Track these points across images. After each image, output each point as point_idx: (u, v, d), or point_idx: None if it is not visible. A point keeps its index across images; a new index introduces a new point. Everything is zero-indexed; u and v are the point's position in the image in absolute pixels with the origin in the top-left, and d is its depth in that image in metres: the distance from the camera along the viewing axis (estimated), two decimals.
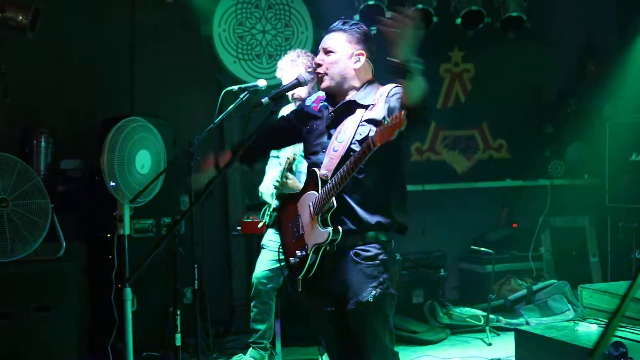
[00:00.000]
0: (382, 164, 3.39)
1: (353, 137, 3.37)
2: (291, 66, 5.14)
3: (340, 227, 3.32)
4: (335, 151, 3.41)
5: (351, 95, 3.49)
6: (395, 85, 3.38)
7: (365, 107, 3.41)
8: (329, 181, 3.35)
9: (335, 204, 3.31)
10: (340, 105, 3.50)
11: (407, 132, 3.17)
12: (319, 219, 3.38)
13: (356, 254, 3.37)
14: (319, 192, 3.41)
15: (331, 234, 3.31)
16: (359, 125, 3.38)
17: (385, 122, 3.05)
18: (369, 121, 3.36)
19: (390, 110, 3.31)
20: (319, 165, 3.49)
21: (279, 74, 5.31)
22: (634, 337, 4.98)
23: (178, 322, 4.24)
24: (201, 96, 6.63)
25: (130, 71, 6.42)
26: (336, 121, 3.50)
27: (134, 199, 5.53)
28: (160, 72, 6.75)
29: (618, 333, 4.97)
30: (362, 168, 3.29)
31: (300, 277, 3.44)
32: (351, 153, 3.31)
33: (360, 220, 3.38)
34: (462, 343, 6.53)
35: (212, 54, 6.85)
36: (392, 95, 3.36)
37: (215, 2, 6.79)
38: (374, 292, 3.34)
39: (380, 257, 3.38)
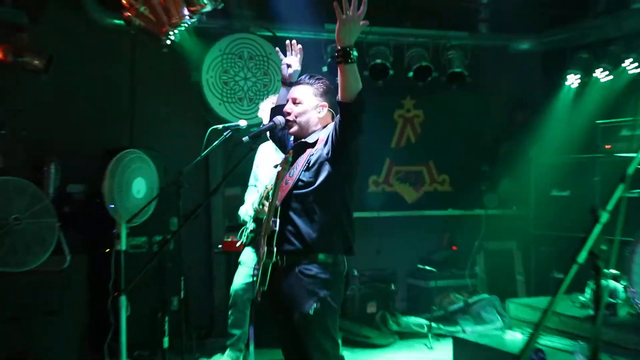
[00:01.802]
0: (329, 193, 3.41)
1: (301, 172, 3.41)
2: (268, 109, 5.16)
3: (275, 249, 3.36)
4: (287, 184, 3.45)
5: (305, 137, 3.53)
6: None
7: (312, 145, 3.46)
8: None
9: (277, 228, 3.37)
10: (293, 146, 3.58)
11: (346, 133, 3.27)
12: (265, 241, 3.41)
13: (300, 272, 3.37)
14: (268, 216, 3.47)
15: (265, 254, 3.37)
16: (306, 162, 3.43)
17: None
18: (312, 156, 3.41)
19: (328, 139, 3.38)
20: (275, 197, 3.52)
21: (260, 114, 5.34)
22: (550, 344, 5.05)
23: (166, 327, 4.22)
24: (191, 132, 6.62)
25: (130, 109, 6.42)
26: (294, 159, 3.54)
27: (130, 219, 5.51)
28: (156, 111, 6.74)
29: (539, 340, 5.04)
30: (309, 196, 3.37)
31: (256, 288, 3.43)
32: (299, 184, 3.39)
33: (306, 242, 3.38)
34: (408, 347, 6.56)
35: (200, 96, 6.85)
36: (331, 129, 3.39)
37: (204, 53, 6.79)
38: (315, 305, 3.33)
39: (321, 275, 3.37)
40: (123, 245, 5.65)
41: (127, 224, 5.62)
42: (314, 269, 3.37)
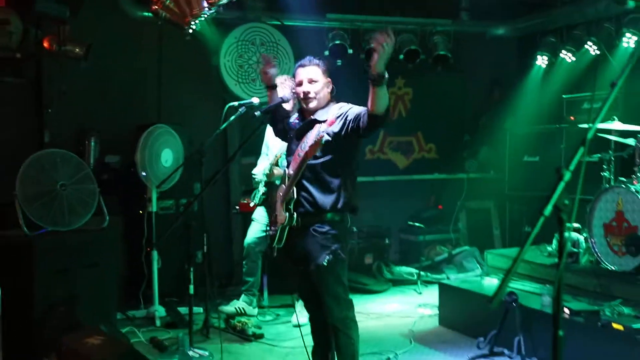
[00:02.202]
0: (339, 162, 3.45)
1: (308, 148, 3.39)
2: (280, 87, 5.13)
3: (295, 214, 3.41)
4: (299, 156, 3.46)
5: (315, 115, 3.52)
6: (345, 104, 3.48)
7: (322, 122, 3.45)
8: (291, 177, 3.45)
9: (295, 195, 3.41)
10: (304, 123, 3.56)
11: (369, 133, 3.37)
12: (284, 206, 3.45)
13: (314, 230, 3.43)
14: (286, 185, 3.49)
15: (287, 218, 3.41)
16: (315, 138, 3.42)
17: (313, 142, 3.28)
18: (326, 132, 3.39)
19: (345, 124, 3.39)
20: (289, 166, 3.56)
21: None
22: (522, 287, 5.07)
23: (191, 277, 4.25)
24: (210, 109, 6.59)
25: (157, 89, 6.39)
26: (302, 133, 3.54)
27: (159, 185, 5.55)
28: (180, 91, 6.71)
29: (511, 285, 5.07)
30: (321, 167, 3.40)
31: (274, 245, 3.51)
32: (304, 159, 3.40)
33: (318, 205, 3.43)
34: (401, 292, 6.60)
35: (219, 78, 6.83)
36: (347, 113, 3.42)
37: (221, 40, 6.77)
38: (328, 257, 3.40)
39: (331, 232, 3.43)
40: (154, 207, 5.70)
41: (157, 189, 5.67)
42: (325, 227, 3.42)
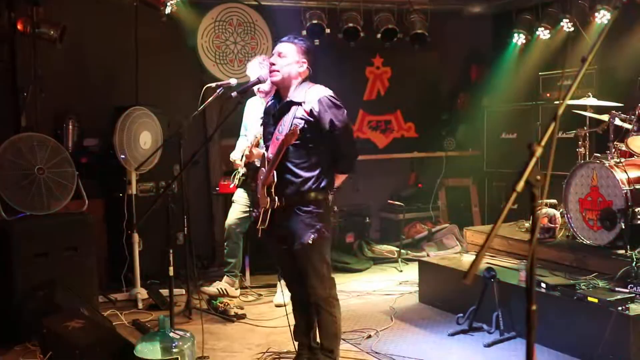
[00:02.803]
0: (317, 142, 3.44)
1: (289, 129, 3.40)
2: (258, 67, 5.10)
3: (276, 197, 3.43)
4: (278, 139, 3.45)
5: (289, 96, 3.50)
6: (325, 95, 3.44)
7: (298, 104, 3.44)
8: (270, 161, 3.46)
9: (275, 179, 3.42)
10: (281, 106, 3.55)
11: None
12: (265, 190, 3.46)
13: (298, 209, 3.43)
14: (266, 169, 3.49)
15: (269, 202, 3.44)
16: (293, 119, 3.43)
17: (289, 131, 3.34)
18: (301, 118, 3.41)
19: (318, 117, 3.41)
20: (267, 150, 3.57)
21: (248, 72, 5.27)
22: (500, 264, 5.13)
23: (171, 259, 4.24)
24: (189, 91, 6.52)
25: (135, 71, 6.32)
26: (279, 116, 3.53)
27: (138, 167, 5.53)
28: (157, 72, 6.63)
29: (490, 261, 5.12)
30: (299, 149, 3.41)
31: (258, 227, 3.53)
32: (285, 142, 3.40)
33: (300, 186, 3.43)
34: (381, 270, 6.64)
35: (197, 59, 6.77)
36: (323, 105, 3.42)
37: (198, 21, 6.70)
38: (312, 236, 3.42)
39: (316, 211, 3.44)
40: (133, 189, 5.67)
41: (136, 172, 5.63)
42: (309, 207, 3.43)
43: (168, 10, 6.19)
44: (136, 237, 5.50)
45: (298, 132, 3.30)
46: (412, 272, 6.03)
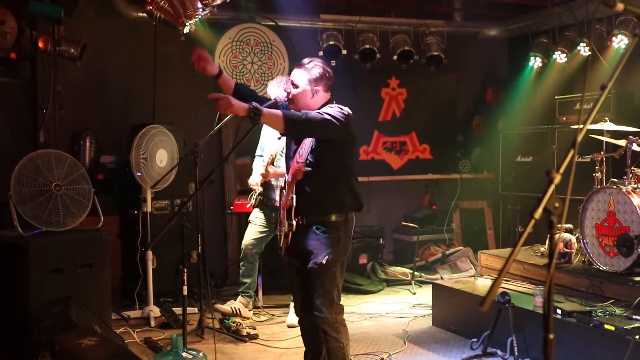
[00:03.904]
0: (333, 168, 3.47)
1: (309, 153, 3.45)
2: (277, 87, 5.13)
3: (295, 221, 3.44)
4: (298, 163, 3.49)
5: None
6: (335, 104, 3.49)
7: None
8: (289, 184, 3.49)
9: (294, 202, 3.44)
10: None
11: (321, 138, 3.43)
12: (285, 213, 3.49)
13: (317, 229, 3.44)
14: (285, 191, 3.53)
15: (287, 226, 3.46)
16: (312, 142, 3.46)
17: (297, 168, 3.45)
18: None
19: None
20: (288, 171, 3.58)
21: (268, 92, 5.30)
22: (515, 288, 5.08)
23: (185, 278, 4.24)
24: (206, 109, 6.57)
25: (152, 90, 6.37)
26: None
27: (154, 185, 5.55)
28: (175, 91, 6.70)
29: (505, 285, 5.07)
30: (318, 171, 3.42)
31: (281, 244, 3.55)
32: (307, 162, 3.44)
33: (320, 207, 3.45)
34: (395, 292, 6.58)
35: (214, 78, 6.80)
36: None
37: (216, 40, 6.76)
38: (327, 256, 3.41)
39: (333, 233, 3.44)
40: (149, 207, 5.69)
41: (152, 189, 5.65)
42: (328, 227, 3.43)
43: (187, 30, 6.24)
44: (150, 254, 5.50)
45: (303, 171, 3.39)
46: (425, 294, 5.99)
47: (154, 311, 5.45)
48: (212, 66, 3.69)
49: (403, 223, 7.45)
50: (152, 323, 5.35)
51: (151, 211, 5.73)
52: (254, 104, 3.21)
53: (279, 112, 3.32)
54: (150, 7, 5.99)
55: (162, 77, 6.49)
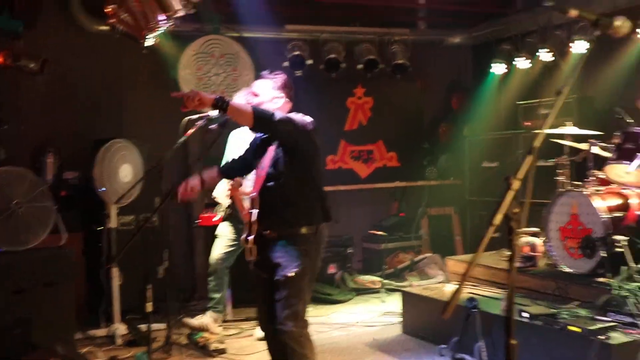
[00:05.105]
0: (299, 180, 3.45)
1: (271, 166, 3.45)
2: (243, 99, 5.07)
3: (262, 234, 3.42)
4: (259, 176, 3.47)
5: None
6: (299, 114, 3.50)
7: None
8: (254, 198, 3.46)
9: (255, 218, 3.41)
10: (260, 141, 3.60)
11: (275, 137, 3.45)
12: (251, 227, 3.45)
13: (286, 243, 3.41)
14: (252, 205, 3.49)
15: (252, 240, 3.43)
16: (272, 154, 3.46)
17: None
18: (277, 148, 3.45)
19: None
20: (254, 186, 3.54)
21: None
22: (483, 293, 5.10)
23: (148, 294, 4.18)
24: (171, 122, 6.47)
25: (116, 103, 6.30)
26: (261, 151, 3.55)
27: (117, 200, 5.46)
28: (140, 104, 6.63)
29: (473, 291, 5.09)
30: (281, 184, 3.40)
31: (249, 258, 3.50)
32: (269, 175, 3.43)
33: (287, 220, 3.42)
34: (364, 301, 6.58)
35: (178, 90, 6.75)
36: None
37: (179, 53, 6.71)
38: (295, 269, 3.38)
39: (302, 246, 3.41)
40: (113, 223, 5.60)
41: (116, 205, 5.56)
42: (297, 240, 3.40)
43: (150, 42, 6.18)
44: (115, 271, 5.41)
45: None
46: (395, 302, 5.98)
47: (120, 329, 5.35)
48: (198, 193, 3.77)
49: (371, 231, 7.45)
50: (118, 341, 5.25)
51: (116, 227, 5.64)
52: (221, 95, 3.22)
53: (248, 105, 3.32)
54: (113, 20, 5.91)
55: (126, 91, 6.43)
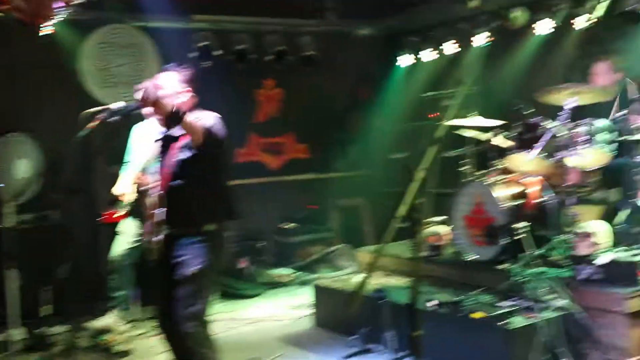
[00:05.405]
0: (203, 178, 3.41)
1: (177, 165, 3.41)
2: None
3: (166, 232, 3.40)
4: (164, 172, 3.43)
5: (171, 130, 3.47)
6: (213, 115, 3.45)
7: (177, 138, 3.44)
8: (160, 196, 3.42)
9: (163, 217, 3.38)
10: (164, 139, 3.54)
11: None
12: (156, 226, 3.41)
13: (189, 239, 3.37)
14: (156, 203, 3.44)
15: (155, 238, 3.40)
16: (176, 152, 3.42)
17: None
18: (183, 147, 3.41)
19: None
20: (160, 184, 3.47)
21: (136, 96, 5.08)
22: (394, 283, 5.17)
23: (47, 296, 3.99)
24: (71, 115, 6.23)
25: (12, 95, 5.97)
26: (166, 147, 3.49)
27: (15, 197, 5.20)
28: (38, 96, 6.29)
29: (384, 280, 5.16)
30: (187, 182, 3.37)
31: (149, 257, 3.48)
32: (175, 174, 3.40)
33: (191, 218, 3.39)
34: (276, 295, 6.54)
35: (80, 82, 6.48)
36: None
37: (80, 42, 6.43)
38: (196, 267, 3.34)
39: (205, 243, 3.38)
40: (10, 221, 5.30)
41: (13, 202, 5.28)
42: (200, 238, 3.36)
43: (46, 31, 5.89)
44: (12, 272, 5.12)
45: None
46: (307, 294, 5.96)
47: (18, 333, 5.07)
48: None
49: (281, 225, 7.41)
50: (15, 346, 4.97)
51: (14, 226, 5.34)
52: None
53: (201, 123, 3.30)
54: (6, 6, 5.59)
55: (23, 82, 6.09)
